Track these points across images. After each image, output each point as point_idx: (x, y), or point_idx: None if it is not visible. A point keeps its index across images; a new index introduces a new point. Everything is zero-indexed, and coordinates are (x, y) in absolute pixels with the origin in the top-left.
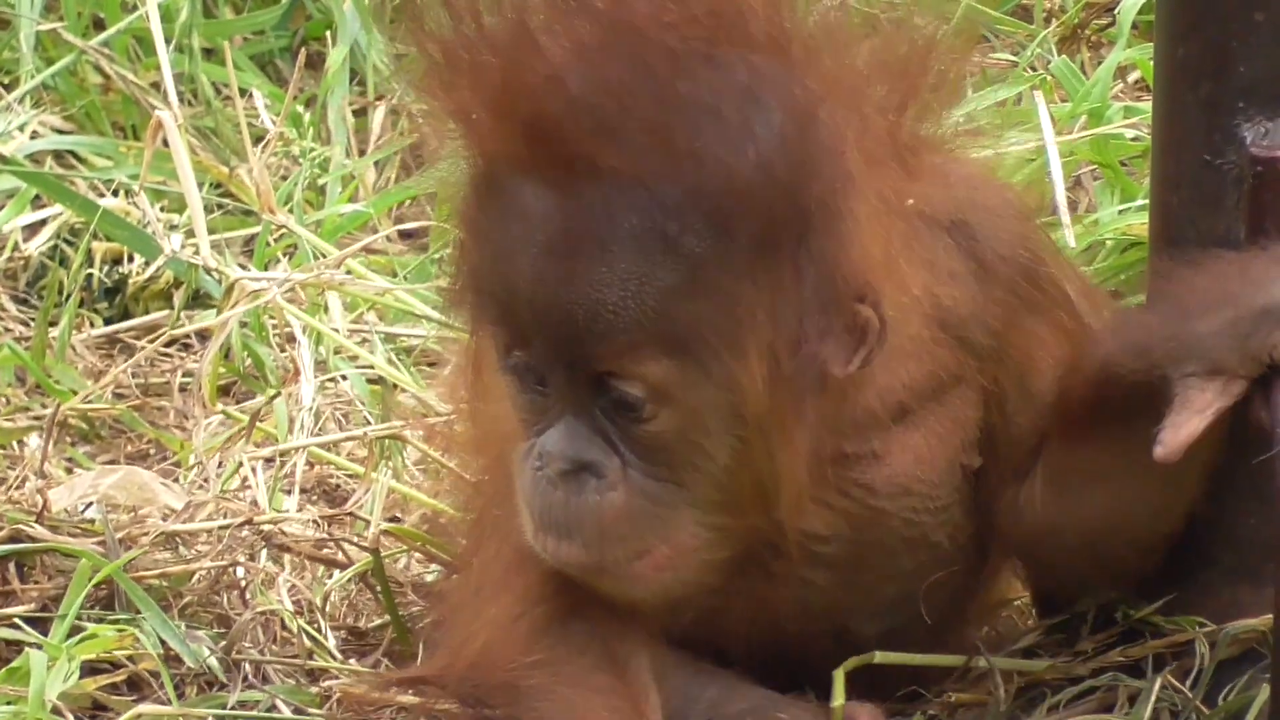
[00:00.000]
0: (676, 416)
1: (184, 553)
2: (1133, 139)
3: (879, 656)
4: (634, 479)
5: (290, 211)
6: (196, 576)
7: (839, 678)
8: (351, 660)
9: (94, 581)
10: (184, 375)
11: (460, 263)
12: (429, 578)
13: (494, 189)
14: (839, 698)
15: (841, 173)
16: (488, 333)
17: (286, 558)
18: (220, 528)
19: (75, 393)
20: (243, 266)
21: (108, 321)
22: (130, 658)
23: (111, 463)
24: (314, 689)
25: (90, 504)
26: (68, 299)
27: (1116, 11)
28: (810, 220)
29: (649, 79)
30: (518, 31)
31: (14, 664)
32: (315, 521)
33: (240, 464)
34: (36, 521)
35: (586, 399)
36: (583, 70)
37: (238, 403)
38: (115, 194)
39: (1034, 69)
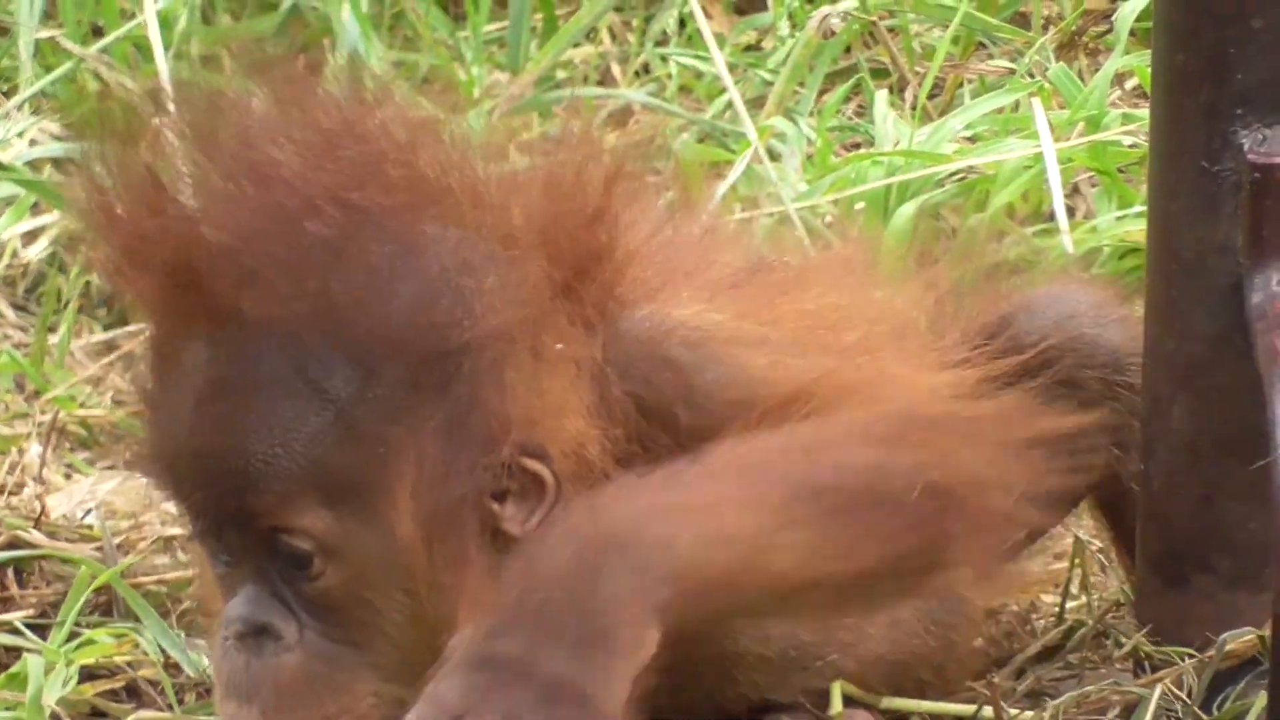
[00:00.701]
0: (343, 571)
1: (183, 558)
2: (1130, 146)
3: (885, 703)
4: (310, 641)
5: None
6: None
7: (835, 690)
8: None
9: (93, 588)
10: None
11: (140, 427)
12: None
13: (159, 350)
14: (836, 706)
15: (494, 321)
16: (176, 507)
17: None
18: None
19: (74, 399)
20: None
21: (106, 328)
22: (130, 664)
23: (110, 469)
24: None
25: (89, 510)
26: (66, 306)
27: (1114, 19)
28: (458, 366)
29: (285, 223)
30: (151, 183)
31: (12, 669)
32: None
33: None
34: (35, 527)
35: (264, 561)
36: (218, 217)
37: None
38: None
39: (1032, 76)
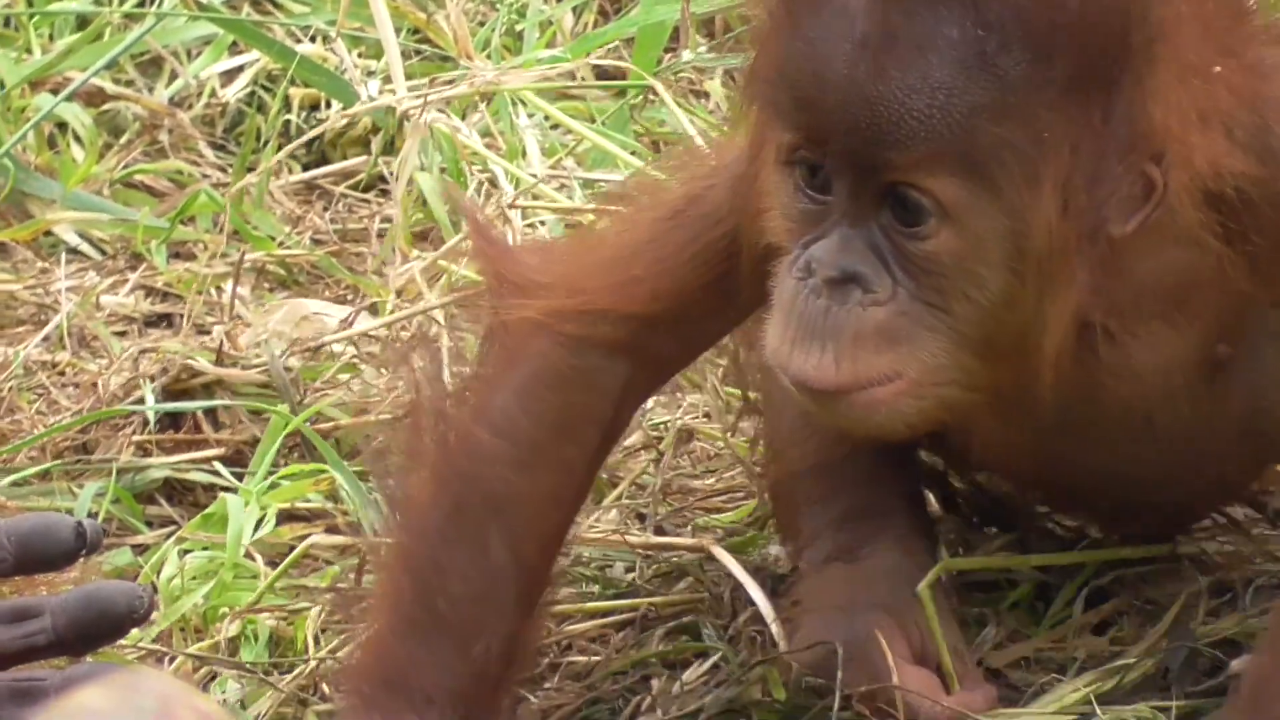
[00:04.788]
0: (958, 239)
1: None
2: None
3: (945, 564)
4: (902, 298)
5: (488, 57)
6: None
7: (925, 596)
8: None
9: (287, 430)
10: (382, 221)
11: (763, 52)
12: None
13: None
14: (931, 619)
15: (1166, 23)
16: (775, 128)
17: None
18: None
19: (273, 239)
20: (442, 113)
21: (305, 168)
22: (326, 510)
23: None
24: None
25: (268, 344)
26: (265, 145)
27: None
28: (1128, 64)
29: None
30: None
31: (209, 509)
32: None
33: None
34: (220, 364)
35: (867, 210)
36: None
37: (435, 249)
38: (312, 40)
39: None
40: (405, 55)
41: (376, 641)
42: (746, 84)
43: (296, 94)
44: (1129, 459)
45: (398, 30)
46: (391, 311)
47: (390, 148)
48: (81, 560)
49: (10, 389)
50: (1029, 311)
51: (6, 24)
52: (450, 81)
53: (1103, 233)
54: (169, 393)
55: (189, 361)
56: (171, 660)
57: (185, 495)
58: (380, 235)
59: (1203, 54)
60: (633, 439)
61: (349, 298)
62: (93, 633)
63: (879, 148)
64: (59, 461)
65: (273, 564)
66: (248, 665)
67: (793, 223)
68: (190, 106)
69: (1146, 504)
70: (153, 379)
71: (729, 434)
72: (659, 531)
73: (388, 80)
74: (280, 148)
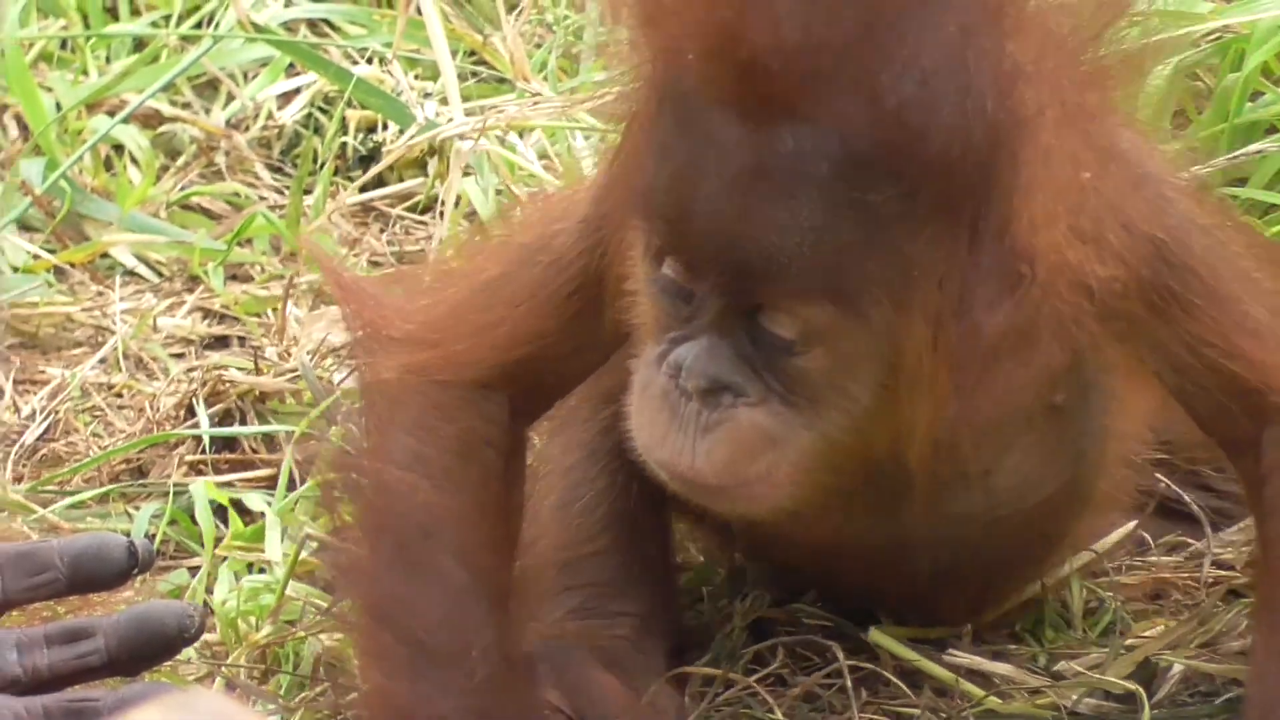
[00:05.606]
0: (828, 357)
1: None
2: None
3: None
4: (774, 402)
5: (544, 79)
6: None
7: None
8: None
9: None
10: (439, 243)
11: (629, 170)
12: None
13: (685, 110)
14: None
15: (1032, 145)
16: (641, 235)
17: None
18: None
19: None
20: (500, 139)
21: (362, 189)
22: None
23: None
24: None
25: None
26: (322, 167)
27: None
28: (993, 193)
29: (867, 33)
30: None
31: (249, 529)
32: None
33: None
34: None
35: (735, 324)
36: (804, 18)
37: None
38: (369, 62)
39: None
40: (461, 77)
41: (377, 694)
42: (612, 168)
43: (353, 116)
44: (961, 520)
45: (454, 52)
46: None
47: (448, 170)
48: (135, 580)
49: (66, 411)
50: (900, 416)
51: (64, 46)
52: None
53: (972, 340)
54: (223, 413)
55: (221, 372)
56: (225, 680)
57: (244, 516)
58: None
59: (1070, 168)
60: None
61: None
62: (144, 653)
63: (747, 279)
64: (115, 485)
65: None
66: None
67: (659, 314)
68: (247, 129)
69: (958, 576)
70: (207, 402)
71: None
72: None
73: (444, 102)
74: (337, 170)
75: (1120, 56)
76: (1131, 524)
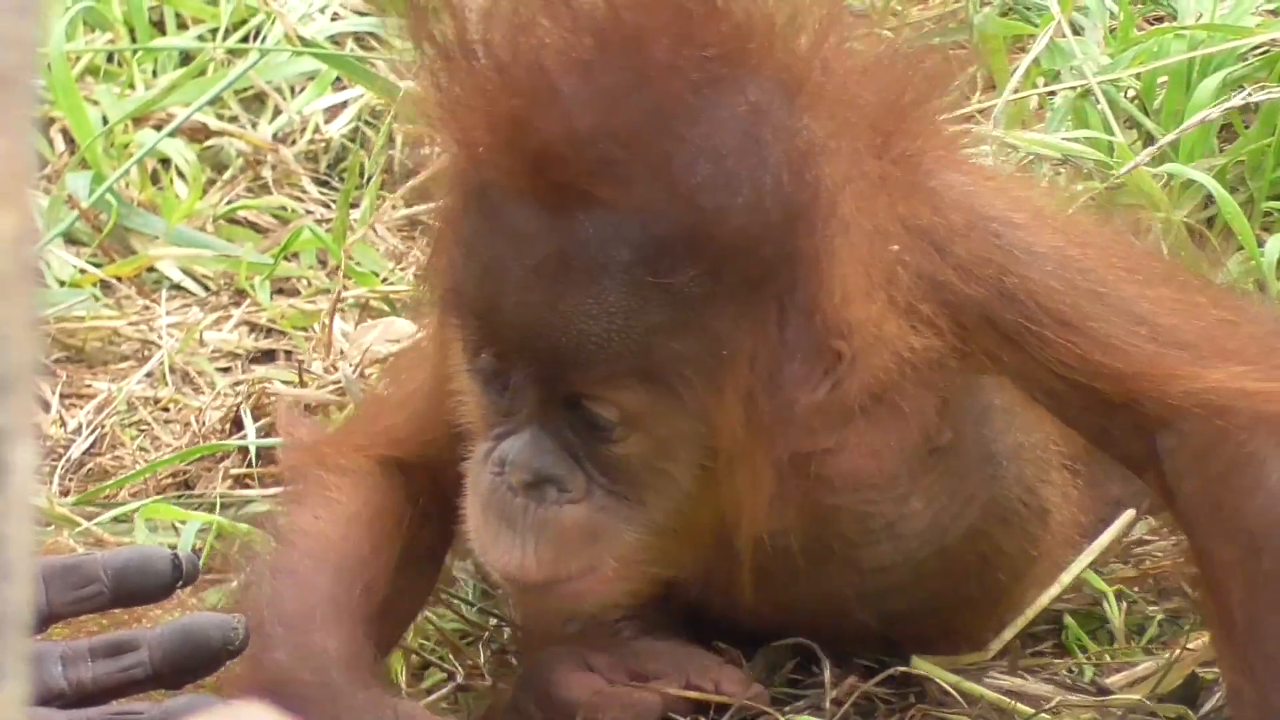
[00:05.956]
0: (646, 442)
1: None
2: None
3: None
4: (597, 495)
5: None
6: None
7: None
8: None
9: None
10: None
11: (443, 264)
12: None
13: (487, 203)
14: None
15: (833, 219)
16: (457, 330)
17: None
18: None
19: (377, 275)
20: None
21: (409, 204)
22: None
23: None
24: None
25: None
26: (369, 181)
27: None
28: (799, 265)
29: (658, 116)
30: (531, 67)
31: None
32: None
33: None
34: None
35: (556, 414)
36: (593, 105)
37: None
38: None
39: None
40: None
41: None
42: (426, 272)
43: (400, 130)
44: (883, 571)
45: None
46: None
47: None
48: (179, 592)
49: (113, 425)
50: (725, 496)
51: (110, 60)
52: None
53: (793, 413)
54: (269, 426)
55: (266, 385)
56: None
57: None
58: None
59: (878, 241)
60: None
61: None
62: (189, 666)
63: (559, 367)
64: (160, 497)
65: None
66: None
67: (483, 412)
68: (293, 142)
69: (915, 615)
70: (253, 416)
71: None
72: None
73: None
74: (383, 184)
75: (940, 107)
76: (1128, 514)
